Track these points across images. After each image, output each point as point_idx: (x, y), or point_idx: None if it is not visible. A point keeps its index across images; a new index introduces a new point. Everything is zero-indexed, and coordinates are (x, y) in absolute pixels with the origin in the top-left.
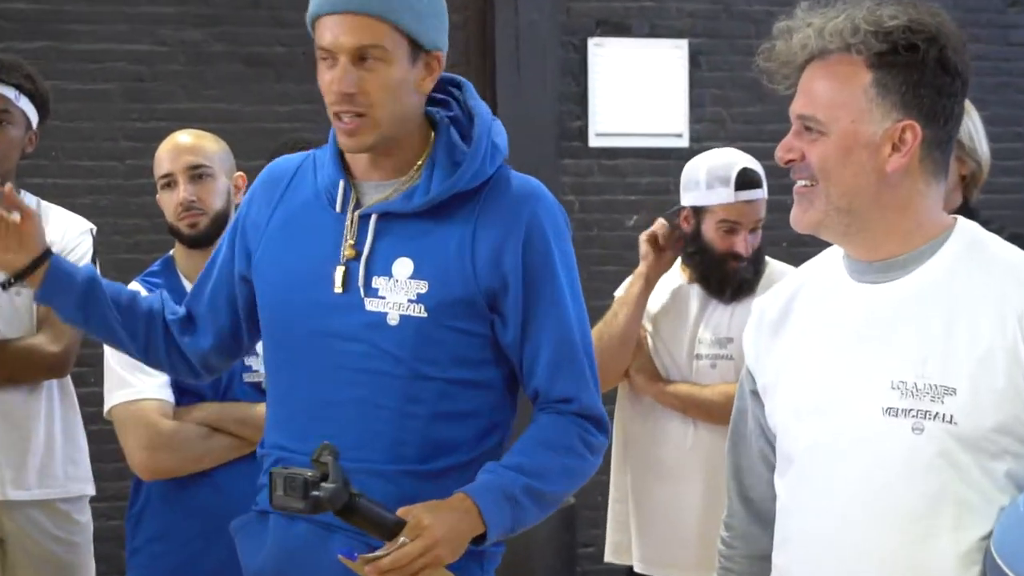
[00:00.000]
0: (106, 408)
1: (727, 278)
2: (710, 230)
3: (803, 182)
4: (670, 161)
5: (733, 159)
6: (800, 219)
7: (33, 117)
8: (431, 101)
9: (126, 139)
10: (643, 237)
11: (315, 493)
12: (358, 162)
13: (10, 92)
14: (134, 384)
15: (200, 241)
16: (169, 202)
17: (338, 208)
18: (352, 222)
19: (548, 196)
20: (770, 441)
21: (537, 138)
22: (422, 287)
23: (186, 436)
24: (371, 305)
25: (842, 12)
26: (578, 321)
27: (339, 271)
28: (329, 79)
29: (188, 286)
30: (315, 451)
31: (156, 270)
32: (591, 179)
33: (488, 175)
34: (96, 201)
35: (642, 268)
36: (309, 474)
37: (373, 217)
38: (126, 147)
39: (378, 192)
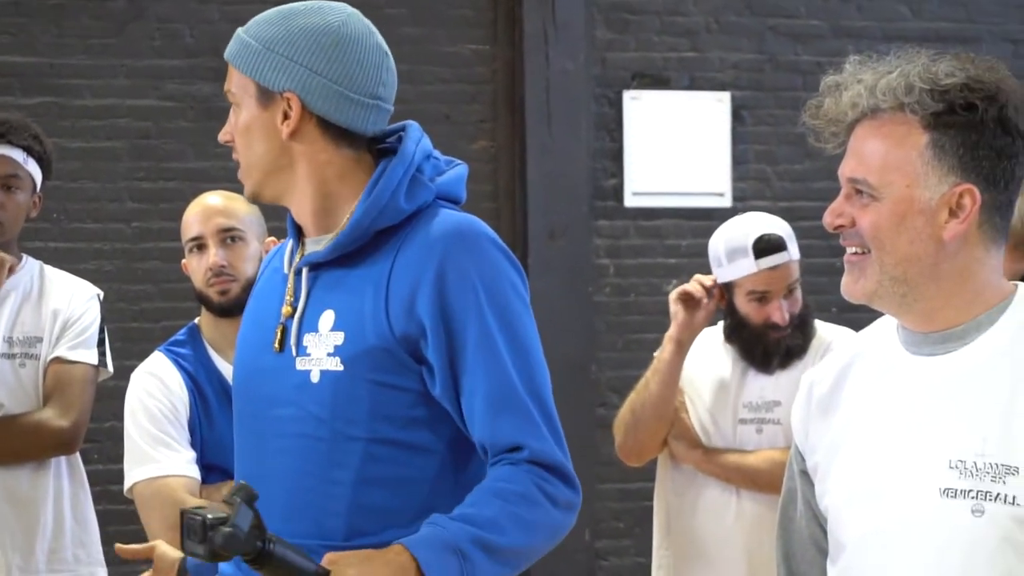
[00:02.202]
0: (127, 485)
1: (770, 350)
2: (742, 304)
3: (854, 249)
4: (712, 222)
5: (748, 228)
6: (852, 289)
7: (38, 179)
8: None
9: (133, 200)
10: (673, 296)
11: (211, 535)
12: (302, 220)
13: (18, 155)
14: (158, 459)
15: (230, 309)
16: (198, 267)
17: (285, 268)
18: (291, 279)
19: (473, 232)
20: (821, 525)
21: (569, 197)
22: (339, 339)
23: None
24: (300, 364)
25: (895, 68)
26: (519, 365)
27: (278, 331)
28: None
29: (215, 357)
30: (231, 489)
31: (182, 339)
32: (627, 241)
33: (405, 212)
34: (101, 266)
35: (673, 331)
36: (210, 516)
37: (304, 271)
38: (133, 208)
39: (315, 246)
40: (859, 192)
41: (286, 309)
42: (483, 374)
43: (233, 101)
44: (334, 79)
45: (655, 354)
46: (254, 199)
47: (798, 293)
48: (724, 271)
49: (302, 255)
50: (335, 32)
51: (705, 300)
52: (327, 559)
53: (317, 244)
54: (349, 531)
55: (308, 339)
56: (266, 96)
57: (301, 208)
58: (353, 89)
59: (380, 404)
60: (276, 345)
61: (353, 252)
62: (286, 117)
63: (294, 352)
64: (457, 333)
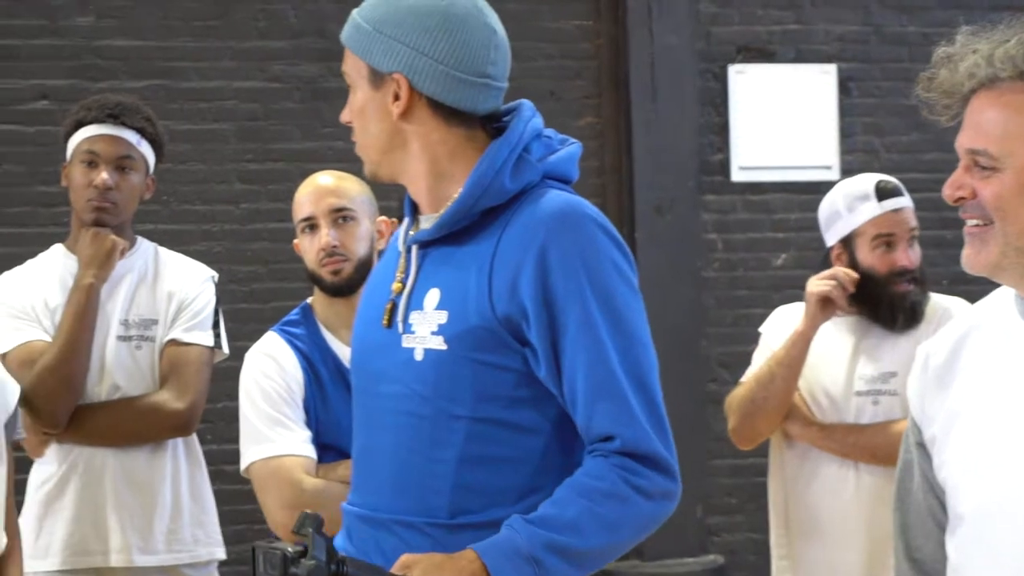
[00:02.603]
0: (243, 465)
1: (896, 303)
2: (866, 255)
3: (975, 221)
4: (820, 195)
5: (864, 178)
6: (974, 261)
7: (151, 161)
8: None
9: (241, 181)
10: (816, 294)
11: (294, 570)
12: (417, 198)
13: (132, 136)
14: (274, 439)
15: (342, 289)
16: (310, 247)
17: (400, 245)
18: (403, 257)
19: (577, 213)
20: (939, 497)
21: (675, 173)
22: (442, 317)
23: (330, 494)
24: (406, 341)
25: (1011, 36)
26: (621, 349)
27: (387, 307)
28: None
29: (328, 337)
30: (296, 522)
31: (295, 319)
32: (734, 216)
33: (510, 192)
34: (210, 248)
35: (805, 327)
36: (290, 549)
37: (414, 248)
38: (241, 190)
39: (427, 224)
40: (979, 163)
41: (396, 286)
42: (583, 359)
43: (349, 83)
44: (440, 59)
45: (761, 330)
46: (373, 178)
47: (918, 248)
48: (844, 223)
49: (416, 232)
50: (442, 12)
51: (843, 300)
52: (400, 563)
53: (428, 222)
54: (453, 509)
55: (414, 316)
56: (377, 77)
57: (415, 186)
58: (460, 68)
59: (483, 384)
60: (385, 321)
61: (460, 231)
62: (396, 98)
63: (400, 329)
64: (558, 316)
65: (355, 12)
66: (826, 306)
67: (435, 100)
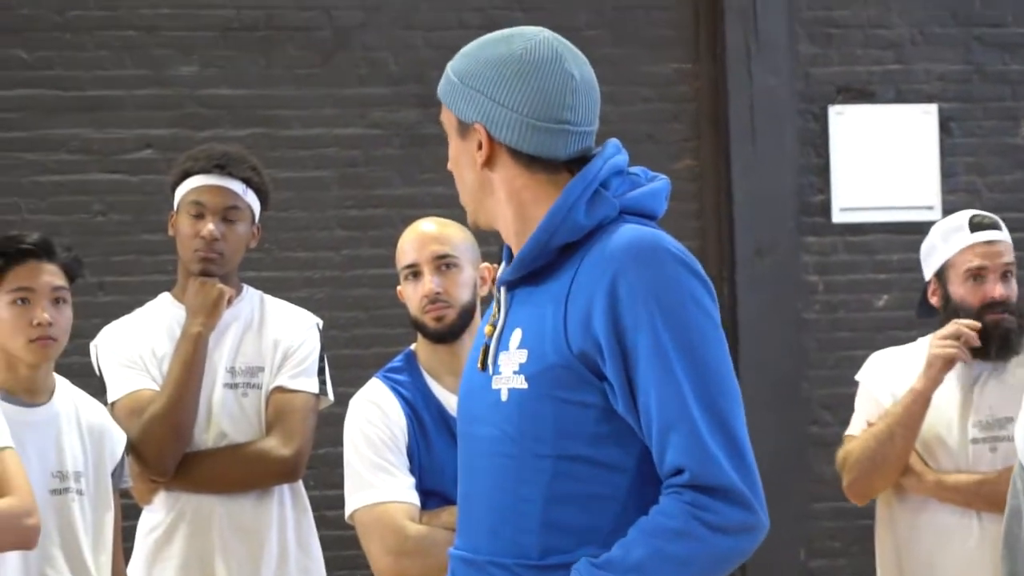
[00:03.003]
0: (347, 511)
1: (988, 332)
2: (958, 287)
3: None
4: (922, 236)
5: (964, 212)
6: None
7: (257, 210)
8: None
9: (341, 228)
10: (942, 357)
11: None
12: (510, 242)
13: (238, 187)
14: (378, 486)
15: (446, 336)
16: (413, 294)
17: (494, 289)
18: (495, 300)
19: (650, 245)
20: None
21: (776, 214)
22: (523, 356)
23: (434, 541)
24: (495, 383)
25: None
26: (695, 381)
27: (482, 350)
28: None
29: (431, 383)
30: None
31: (398, 366)
32: (836, 257)
33: (585, 228)
34: (312, 294)
35: (926, 387)
36: None
37: (503, 291)
38: (341, 236)
39: None
40: None
41: (487, 328)
42: (655, 392)
43: (447, 133)
44: (515, 108)
45: (858, 377)
46: (474, 226)
47: (1015, 284)
48: (938, 255)
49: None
50: (516, 61)
51: (968, 356)
52: None
53: None
54: (543, 549)
55: (502, 357)
56: (463, 128)
57: (506, 231)
58: (535, 116)
59: (565, 421)
60: (480, 364)
61: (540, 269)
62: (479, 147)
63: (491, 371)
64: (630, 350)
65: (449, 65)
66: (949, 363)
67: (514, 148)
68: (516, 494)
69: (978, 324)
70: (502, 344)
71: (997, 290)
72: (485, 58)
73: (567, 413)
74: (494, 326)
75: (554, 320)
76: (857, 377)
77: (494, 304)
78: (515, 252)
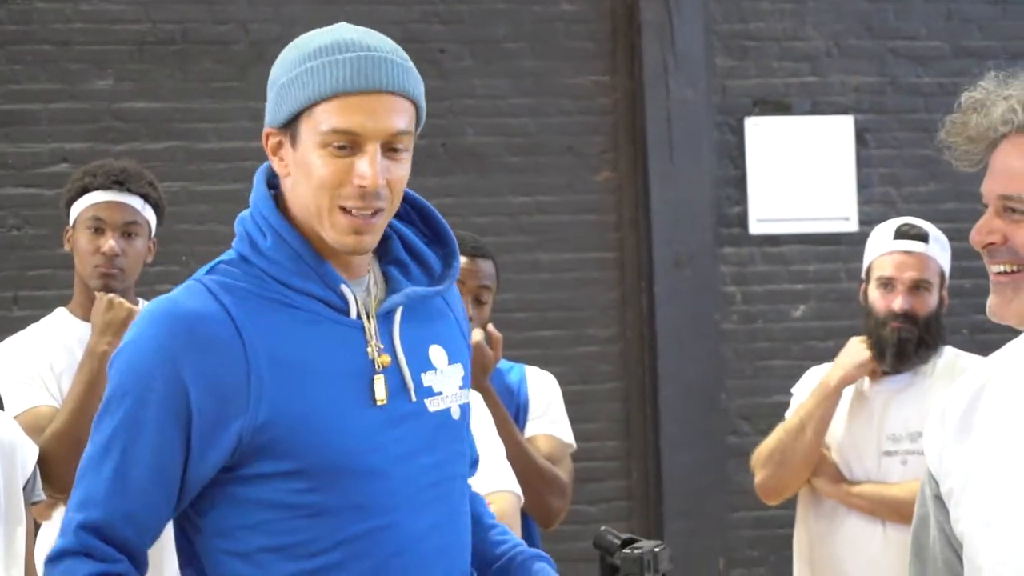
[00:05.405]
0: None
1: (884, 340)
2: (872, 292)
3: (1003, 267)
4: (839, 247)
5: (902, 219)
6: (1003, 309)
7: (154, 225)
8: None
9: None
10: (856, 356)
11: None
12: (358, 262)
13: (136, 202)
14: None
15: None
16: None
17: (353, 315)
18: (371, 325)
19: None
20: (956, 550)
21: (694, 226)
22: (460, 371)
23: None
24: (434, 404)
25: None
26: None
27: (378, 381)
28: (342, 169)
29: None
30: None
31: None
32: (753, 268)
33: None
34: None
35: (835, 380)
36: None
37: (399, 313)
38: None
39: (357, 290)
40: (1010, 208)
41: (384, 357)
42: None
43: (397, 141)
44: None
45: (793, 390)
46: (364, 252)
47: (929, 299)
48: (866, 255)
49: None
50: None
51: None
52: None
53: (356, 287)
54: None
55: (429, 377)
56: (417, 128)
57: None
58: None
59: None
60: (382, 397)
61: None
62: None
63: (413, 396)
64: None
65: (390, 54)
66: (863, 368)
67: None
68: (467, 511)
69: (866, 345)
70: (420, 365)
71: (898, 303)
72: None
73: None
74: (386, 353)
75: (459, 332)
76: (792, 390)
77: (368, 332)
78: (353, 271)
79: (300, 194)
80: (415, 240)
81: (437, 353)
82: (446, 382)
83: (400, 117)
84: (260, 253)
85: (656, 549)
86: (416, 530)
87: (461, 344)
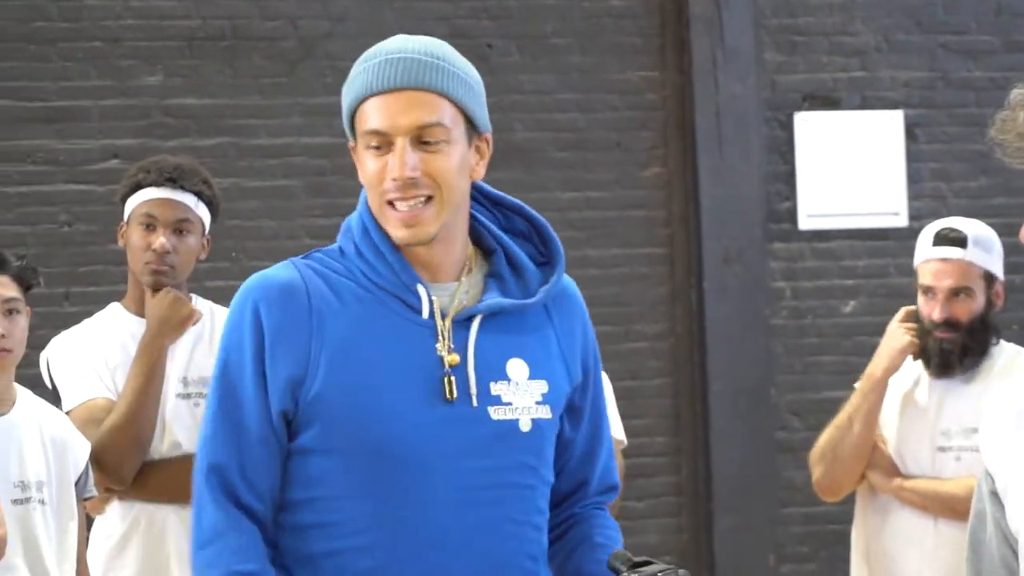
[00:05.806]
0: None
1: (929, 349)
2: (920, 299)
3: None
4: (888, 242)
5: (942, 221)
6: None
7: (207, 222)
8: None
9: (310, 236)
10: (897, 341)
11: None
12: (441, 261)
13: (190, 199)
14: None
15: None
16: None
17: (425, 314)
18: (447, 327)
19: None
20: (1012, 547)
21: (743, 222)
22: (544, 387)
23: None
24: (500, 413)
25: None
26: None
27: (447, 380)
28: (381, 166)
29: None
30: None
31: None
32: (803, 264)
33: None
34: None
35: (880, 370)
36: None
37: (477, 320)
38: (310, 245)
39: (441, 294)
40: None
41: (452, 357)
42: (606, 424)
43: (431, 134)
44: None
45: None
46: (420, 243)
47: (971, 304)
48: (915, 259)
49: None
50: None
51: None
52: None
53: (441, 292)
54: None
55: (500, 387)
56: (471, 134)
57: (449, 249)
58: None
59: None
60: (448, 395)
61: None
62: (480, 159)
63: (475, 402)
64: (596, 383)
65: (447, 61)
66: (905, 353)
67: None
68: (531, 523)
69: (904, 329)
70: (491, 374)
71: (937, 312)
72: (475, 75)
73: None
74: (457, 355)
75: (556, 351)
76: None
77: (440, 332)
78: (441, 273)
79: (369, 196)
80: (521, 256)
81: (516, 366)
82: (520, 395)
83: (425, 111)
84: (354, 246)
85: (659, 573)
86: (456, 529)
87: (552, 362)
